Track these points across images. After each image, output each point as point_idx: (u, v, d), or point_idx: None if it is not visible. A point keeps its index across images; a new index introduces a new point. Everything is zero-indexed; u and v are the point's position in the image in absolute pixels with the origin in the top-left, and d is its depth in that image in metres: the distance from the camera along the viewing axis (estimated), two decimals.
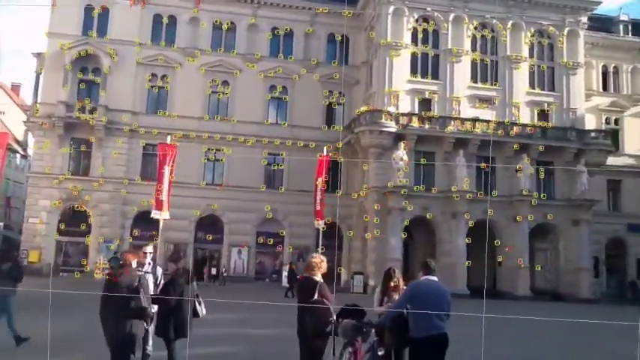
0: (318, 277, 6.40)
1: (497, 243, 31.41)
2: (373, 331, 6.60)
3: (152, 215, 28.07)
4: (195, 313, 7.26)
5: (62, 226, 32.31)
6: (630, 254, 37.40)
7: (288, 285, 26.64)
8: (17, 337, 9.86)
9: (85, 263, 31.83)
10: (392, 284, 7.21)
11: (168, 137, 27.77)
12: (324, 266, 6.47)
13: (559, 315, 22.85)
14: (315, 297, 6.23)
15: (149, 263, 8.58)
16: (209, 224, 34.61)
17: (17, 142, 48.32)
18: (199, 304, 7.29)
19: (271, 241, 34.63)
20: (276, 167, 35.72)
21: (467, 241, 30.89)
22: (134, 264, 6.82)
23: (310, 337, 6.31)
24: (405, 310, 5.81)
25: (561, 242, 32.76)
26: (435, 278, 5.95)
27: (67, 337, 10.23)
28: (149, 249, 8.80)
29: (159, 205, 27.65)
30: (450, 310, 5.86)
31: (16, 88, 57.41)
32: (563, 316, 21.94)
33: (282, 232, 34.93)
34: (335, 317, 6.35)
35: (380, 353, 6.36)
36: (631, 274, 36.96)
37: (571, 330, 16.46)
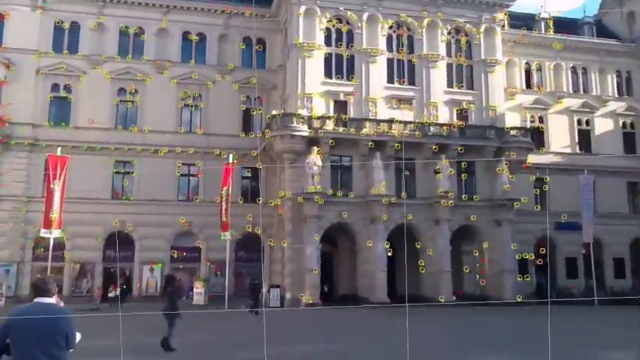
0: None
1: (418, 245, 30.41)
2: None
3: (41, 234, 26.26)
4: None
5: None
6: (560, 253, 36.82)
7: (252, 301, 25.34)
8: None
9: None
10: None
11: (58, 149, 26.34)
12: None
13: (461, 318, 21.85)
14: None
15: None
16: (119, 241, 32.51)
17: None
18: None
19: (187, 255, 32.99)
20: (191, 177, 34.10)
21: (387, 246, 29.80)
22: None
23: None
24: None
25: (485, 244, 31.82)
26: (50, 300, 4.43)
27: None
28: None
29: (47, 224, 25.79)
30: (70, 341, 4.34)
31: None
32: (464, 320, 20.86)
33: (199, 244, 33.13)
34: None
35: None
36: (560, 272, 36.46)
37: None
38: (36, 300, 4.41)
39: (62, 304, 5.82)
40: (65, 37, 33.74)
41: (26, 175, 31.81)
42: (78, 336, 4.65)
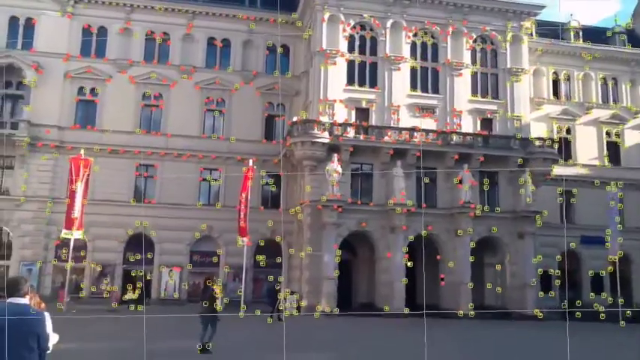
0: None
1: (439, 256, 29.97)
2: None
3: (62, 235, 26.61)
4: None
5: None
6: (585, 268, 35.83)
7: (270, 306, 25.10)
8: None
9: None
10: None
11: (82, 150, 26.71)
12: None
13: (476, 335, 21.33)
14: None
15: None
16: (139, 244, 32.74)
17: None
18: None
19: (206, 260, 33.12)
20: (212, 182, 34.21)
21: (406, 257, 29.40)
22: None
23: None
24: None
25: (507, 256, 31.19)
26: (22, 301, 4.35)
27: None
28: None
29: (69, 224, 26.14)
30: (43, 342, 4.25)
31: None
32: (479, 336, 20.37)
33: (219, 252, 33.16)
34: None
35: None
36: (586, 288, 35.45)
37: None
38: (8, 300, 4.36)
39: (43, 304, 5.76)
40: (93, 42, 34.28)
41: (52, 177, 32.32)
42: (55, 337, 4.57)
